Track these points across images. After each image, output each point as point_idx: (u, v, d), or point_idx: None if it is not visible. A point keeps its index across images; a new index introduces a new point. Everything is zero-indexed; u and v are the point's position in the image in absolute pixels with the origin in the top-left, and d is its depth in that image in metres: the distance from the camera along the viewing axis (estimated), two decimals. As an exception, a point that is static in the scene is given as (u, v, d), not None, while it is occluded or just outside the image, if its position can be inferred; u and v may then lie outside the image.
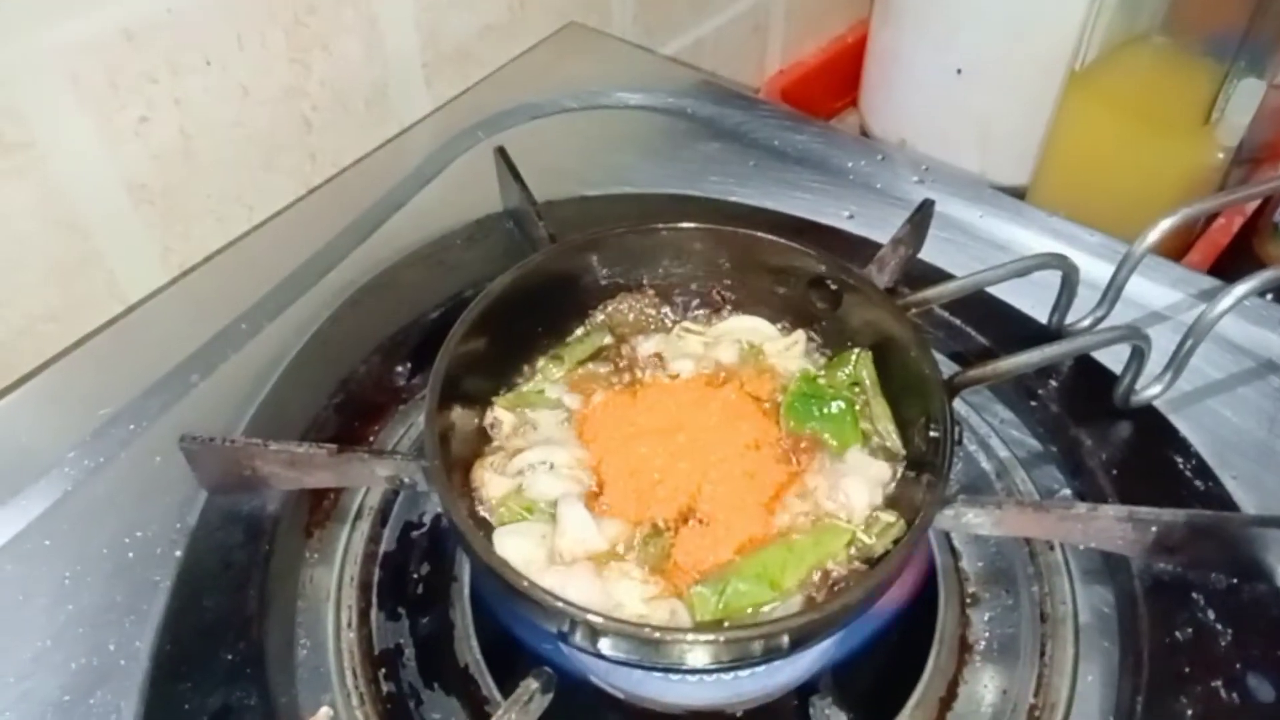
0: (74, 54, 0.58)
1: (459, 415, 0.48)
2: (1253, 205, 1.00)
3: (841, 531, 0.43)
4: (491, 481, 0.46)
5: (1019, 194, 0.94)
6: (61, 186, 0.61)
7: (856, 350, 0.49)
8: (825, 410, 0.49)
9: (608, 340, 0.53)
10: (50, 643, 0.48)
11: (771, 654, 0.39)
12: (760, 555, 0.42)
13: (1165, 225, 0.55)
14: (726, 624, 0.40)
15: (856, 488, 0.45)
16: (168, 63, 0.63)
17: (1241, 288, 0.51)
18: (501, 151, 0.66)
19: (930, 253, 0.63)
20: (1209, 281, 0.64)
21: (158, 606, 0.48)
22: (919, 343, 0.46)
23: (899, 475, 0.47)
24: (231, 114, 0.68)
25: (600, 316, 0.54)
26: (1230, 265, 0.96)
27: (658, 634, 0.37)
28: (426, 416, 0.44)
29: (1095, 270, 0.60)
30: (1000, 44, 0.96)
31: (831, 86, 1.25)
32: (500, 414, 0.49)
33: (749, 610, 0.41)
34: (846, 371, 0.49)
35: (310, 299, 0.64)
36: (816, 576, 0.43)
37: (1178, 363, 0.53)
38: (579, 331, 0.52)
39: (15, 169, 0.58)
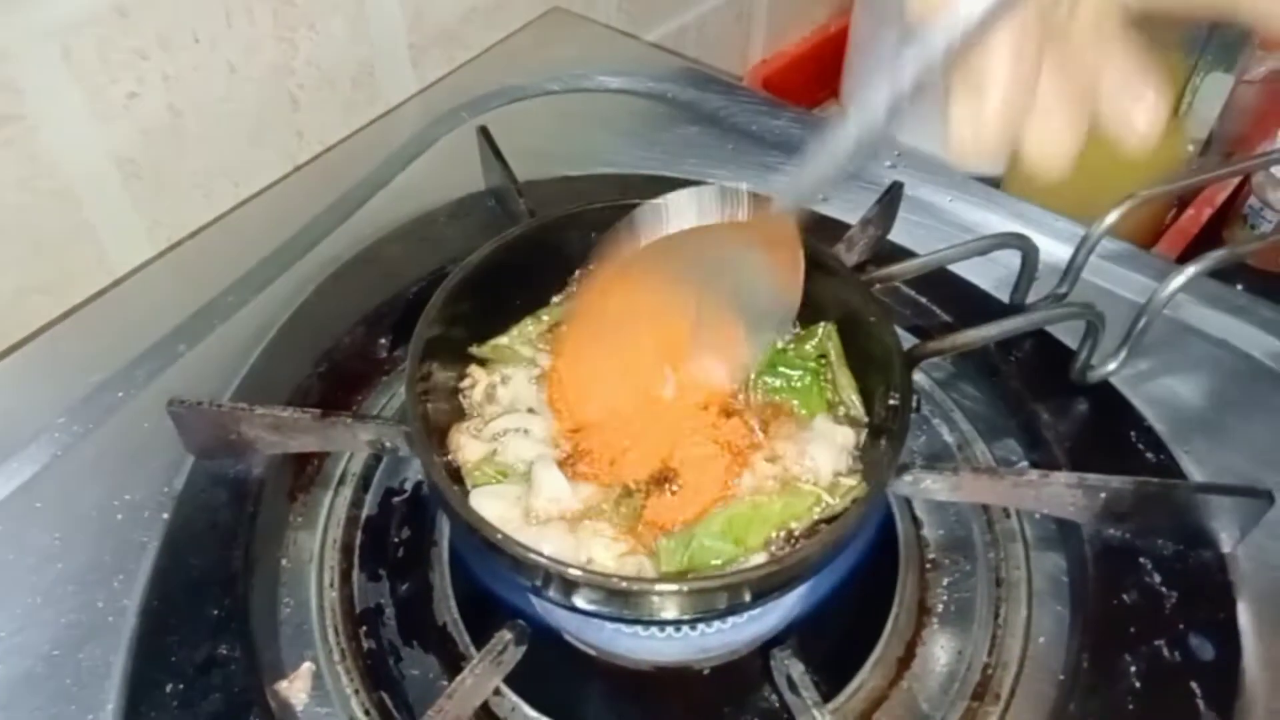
0: (67, 29, 0.60)
1: (439, 381, 0.49)
2: (1222, 196, 1.02)
3: (806, 494, 0.45)
4: (467, 445, 0.47)
5: (995, 183, 0.96)
6: (52, 160, 0.62)
7: (823, 324, 0.51)
8: (791, 382, 0.51)
9: None
10: (40, 600, 0.49)
11: (734, 605, 0.41)
12: (726, 513, 0.44)
13: (1122, 208, 0.57)
14: (690, 575, 0.42)
15: (822, 453, 0.47)
16: (158, 39, 0.64)
17: (1192, 268, 0.53)
18: (484, 131, 0.67)
19: (901, 235, 0.65)
20: (1165, 264, 0.66)
21: (145, 566, 0.50)
22: (881, 315, 0.48)
23: (862, 442, 0.48)
24: (219, 91, 0.69)
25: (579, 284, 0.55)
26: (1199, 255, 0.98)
27: (624, 584, 0.39)
28: (407, 380, 0.46)
29: (1059, 253, 0.62)
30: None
31: (814, 76, 1.27)
32: (474, 372, 0.51)
33: (713, 564, 0.43)
34: (813, 344, 0.51)
35: (295, 273, 0.65)
36: (781, 536, 0.45)
37: (1132, 340, 0.55)
38: (557, 298, 0.54)
39: (6, 140, 0.60)
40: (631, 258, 0.41)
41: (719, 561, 0.43)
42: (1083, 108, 0.31)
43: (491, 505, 0.44)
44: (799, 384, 0.50)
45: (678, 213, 0.39)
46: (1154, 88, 0.29)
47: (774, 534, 0.45)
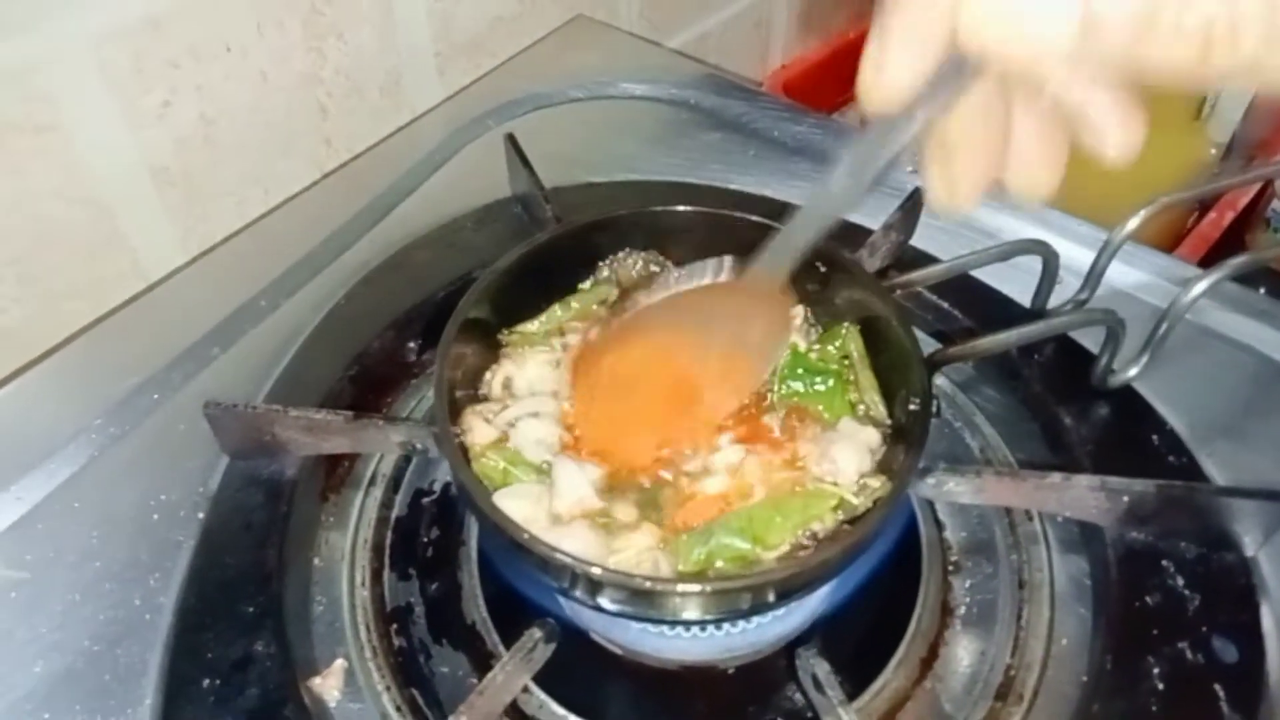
0: (101, 40, 0.61)
1: (466, 382, 0.50)
2: (1244, 200, 1.02)
3: (829, 495, 0.46)
4: (477, 428, 0.48)
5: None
6: (87, 168, 0.64)
7: (845, 324, 0.52)
8: (814, 385, 0.51)
9: (614, 294, 0.55)
10: (79, 597, 0.50)
11: (758, 605, 0.42)
12: (747, 511, 0.45)
13: (1144, 213, 0.57)
14: (713, 575, 0.43)
15: (846, 454, 0.47)
16: (190, 49, 0.66)
17: (1215, 274, 0.53)
18: (511, 138, 0.68)
19: (923, 240, 0.65)
20: (1188, 268, 0.66)
21: (181, 564, 0.51)
22: (902, 321, 0.49)
23: (886, 444, 0.49)
24: (250, 100, 0.71)
25: (606, 272, 0.56)
26: (1221, 259, 0.98)
27: (649, 584, 0.40)
28: (435, 384, 0.46)
29: (1081, 257, 0.63)
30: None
31: (833, 82, 1.28)
32: (495, 364, 0.52)
33: (731, 561, 0.44)
34: (836, 345, 0.51)
35: (326, 278, 0.66)
36: (804, 537, 0.45)
37: (1154, 345, 0.55)
38: (586, 284, 0.55)
39: (42, 149, 0.61)
40: (635, 318, 0.45)
41: (737, 559, 0.44)
42: (1060, 140, 0.32)
43: (516, 507, 0.45)
44: (822, 387, 0.51)
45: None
46: (1127, 108, 0.30)
47: (796, 534, 0.45)
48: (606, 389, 0.49)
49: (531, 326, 0.53)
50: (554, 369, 0.51)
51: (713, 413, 0.49)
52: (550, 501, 0.46)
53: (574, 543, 0.43)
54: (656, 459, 0.48)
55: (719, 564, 0.44)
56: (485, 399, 0.51)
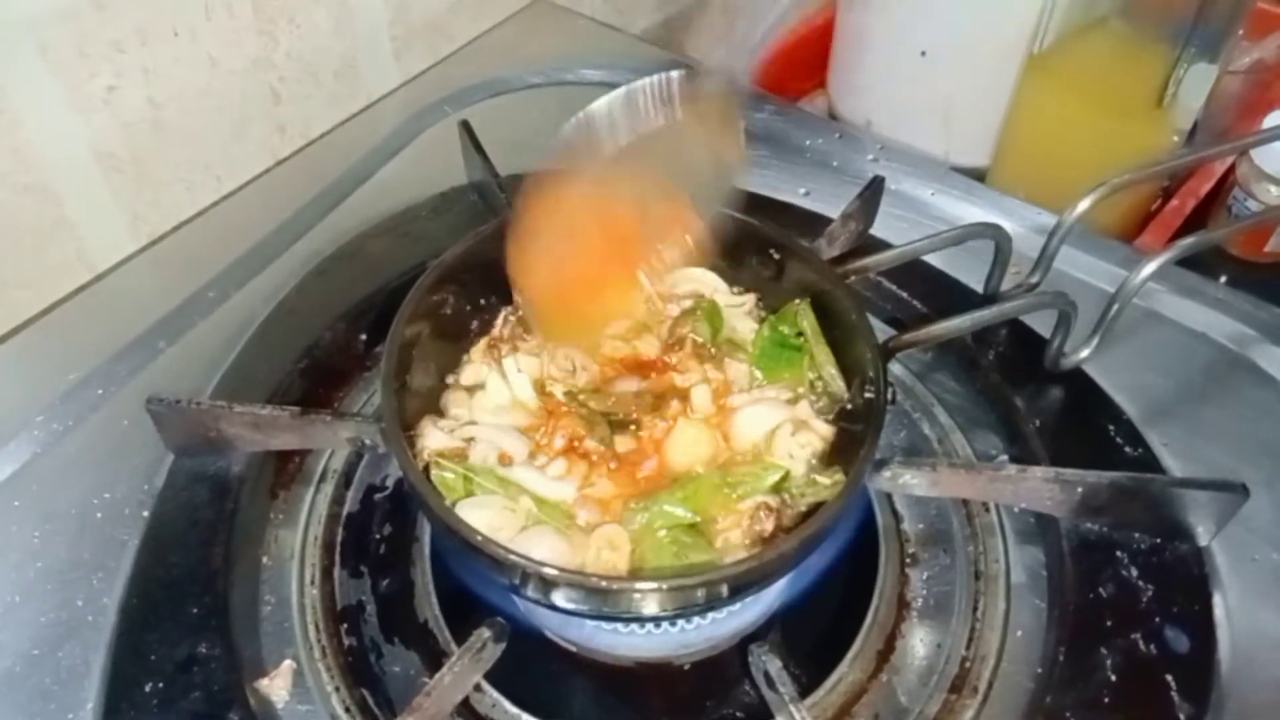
0: (44, 23, 0.59)
1: (417, 378, 0.49)
2: (1206, 186, 1.02)
3: (775, 469, 0.46)
4: (431, 434, 0.47)
5: (981, 174, 0.96)
6: (32, 154, 0.62)
7: (797, 301, 0.51)
8: (790, 361, 0.51)
9: None
10: (19, 598, 0.49)
11: (711, 601, 0.41)
12: (694, 483, 0.45)
13: (1093, 196, 0.57)
14: (668, 571, 0.42)
15: (800, 438, 0.47)
16: (136, 32, 0.64)
17: (1164, 255, 0.53)
18: (465, 125, 0.67)
19: (884, 229, 0.65)
20: (1139, 252, 0.66)
21: (125, 564, 0.50)
22: (856, 307, 0.48)
23: (837, 432, 0.49)
24: (200, 84, 0.69)
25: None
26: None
27: (601, 583, 0.40)
28: (383, 378, 0.46)
29: (1035, 243, 0.62)
30: (963, 27, 0.98)
31: (800, 68, 1.27)
32: (454, 381, 0.51)
33: (671, 529, 0.44)
34: (787, 326, 0.51)
35: (277, 268, 0.65)
36: (747, 515, 0.45)
37: (1105, 327, 0.55)
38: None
39: (-13, 135, 0.59)
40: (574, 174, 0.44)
41: (676, 527, 0.44)
42: None
43: (481, 516, 0.44)
44: (775, 357, 0.51)
45: (608, 122, 0.41)
46: None
47: (740, 507, 0.45)
48: (554, 251, 0.48)
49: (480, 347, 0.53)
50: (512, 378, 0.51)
51: (666, 257, 0.48)
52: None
53: (541, 550, 0.43)
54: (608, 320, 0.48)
55: (660, 533, 0.44)
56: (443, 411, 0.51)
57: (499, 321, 0.53)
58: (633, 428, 0.48)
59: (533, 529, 0.45)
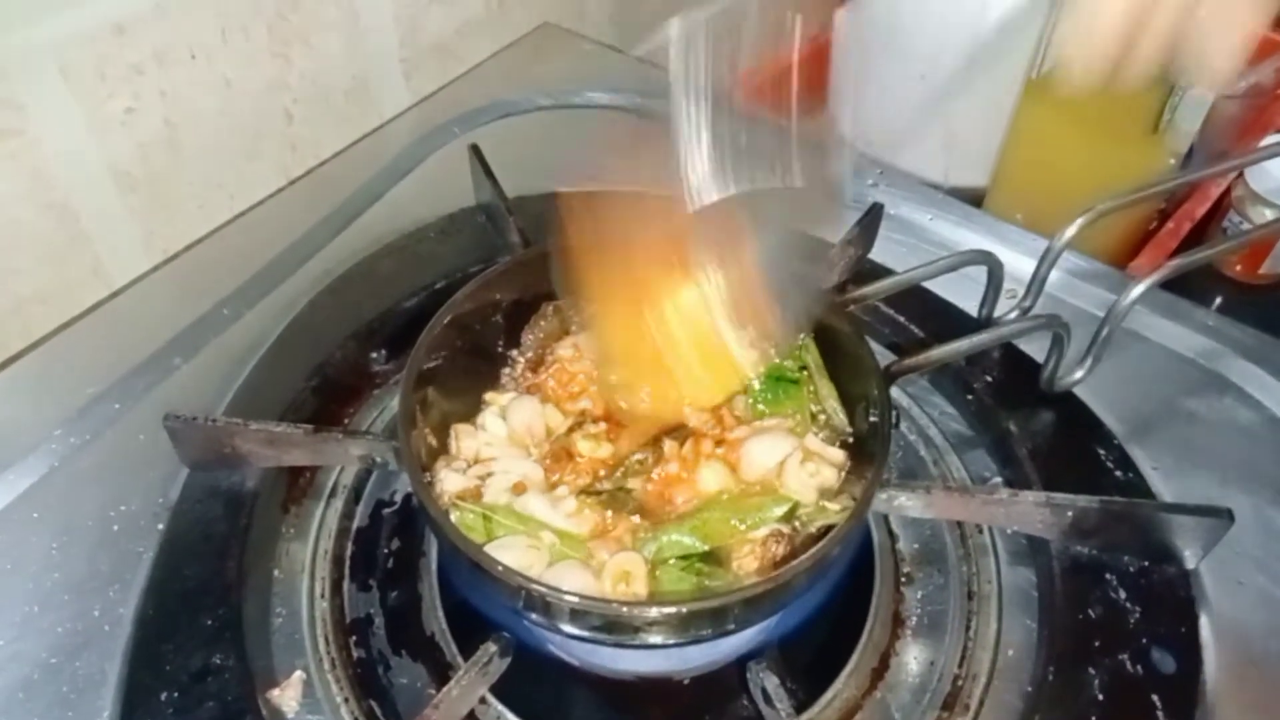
0: (66, 46, 0.61)
1: (431, 398, 0.51)
2: (1201, 210, 1.04)
3: (784, 500, 0.47)
4: (448, 478, 0.48)
5: (981, 194, 0.97)
6: (51, 173, 0.64)
7: (801, 335, 0.53)
8: (779, 394, 0.52)
9: None
10: (37, 608, 0.50)
11: (719, 627, 0.43)
12: (702, 513, 0.46)
13: (1082, 220, 0.58)
14: (672, 600, 0.44)
15: (810, 467, 0.49)
16: (154, 55, 0.65)
17: (1154, 275, 0.54)
18: (475, 149, 0.69)
19: (883, 254, 0.66)
20: (1129, 275, 0.68)
21: (140, 575, 0.51)
22: (858, 334, 0.50)
23: (847, 460, 0.50)
24: (215, 105, 0.71)
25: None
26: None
27: (610, 608, 0.41)
28: (401, 396, 0.47)
29: (1029, 268, 0.64)
30: (962, 51, 0.99)
31: (803, 85, 1.28)
32: (460, 430, 0.52)
33: (680, 557, 0.45)
34: (791, 361, 0.52)
35: (289, 286, 0.67)
36: (758, 544, 0.46)
37: (1097, 348, 0.57)
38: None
39: (8, 154, 0.61)
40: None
41: (683, 556, 0.45)
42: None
43: (510, 557, 0.45)
44: (774, 390, 0.52)
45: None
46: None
47: (746, 536, 0.46)
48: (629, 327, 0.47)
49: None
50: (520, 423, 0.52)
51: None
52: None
53: (570, 585, 0.44)
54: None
55: (670, 561, 0.45)
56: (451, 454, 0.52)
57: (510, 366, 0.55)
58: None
59: (559, 565, 0.46)
